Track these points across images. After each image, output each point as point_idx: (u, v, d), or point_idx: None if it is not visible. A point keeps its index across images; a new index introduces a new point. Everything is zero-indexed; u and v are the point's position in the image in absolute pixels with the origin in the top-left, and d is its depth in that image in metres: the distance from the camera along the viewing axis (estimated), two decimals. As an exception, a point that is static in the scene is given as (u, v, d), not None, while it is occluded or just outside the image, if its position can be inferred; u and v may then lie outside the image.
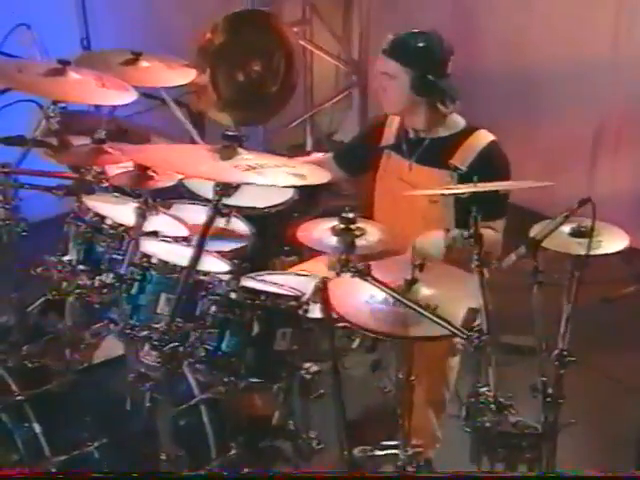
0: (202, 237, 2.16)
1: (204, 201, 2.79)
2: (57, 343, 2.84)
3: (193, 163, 2.18)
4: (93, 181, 2.64)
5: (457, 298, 2.28)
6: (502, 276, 2.31)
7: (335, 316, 2.31)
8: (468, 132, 2.93)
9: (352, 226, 2.35)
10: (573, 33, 4.55)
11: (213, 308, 2.41)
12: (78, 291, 2.52)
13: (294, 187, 3.00)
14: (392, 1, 5.23)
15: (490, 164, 2.85)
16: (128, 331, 2.42)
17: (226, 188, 2.13)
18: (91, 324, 2.76)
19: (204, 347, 2.39)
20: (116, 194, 2.70)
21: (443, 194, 2.77)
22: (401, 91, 2.87)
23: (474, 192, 2.30)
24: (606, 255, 2.30)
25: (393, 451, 2.59)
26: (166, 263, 2.46)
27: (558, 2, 4.66)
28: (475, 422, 2.16)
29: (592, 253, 2.25)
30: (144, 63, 3.06)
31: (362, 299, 2.31)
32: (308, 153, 4.13)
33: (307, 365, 2.46)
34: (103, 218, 2.58)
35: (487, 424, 2.15)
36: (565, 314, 2.26)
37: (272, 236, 3.06)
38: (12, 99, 2.65)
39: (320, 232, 2.41)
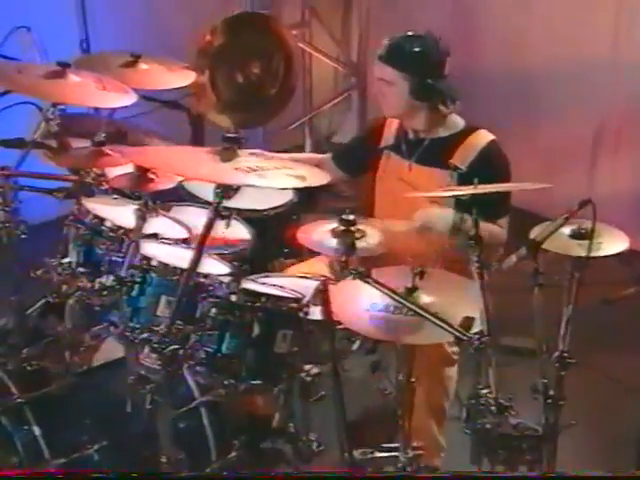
0: (202, 239, 2.16)
1: (204, 203, 2.79)
2: (57, 345, 2.84)
3: (193, 165, 2.18)
4: (93, 183, 2.65)
5: (457, 305, 2.28)
6: (503, 278, 2.30)
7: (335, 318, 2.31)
8: (468, 132, 2.92)
9: (352, 228, 2.35)
10: (573, 33, 4.54)
11: (213, 310, 2.40)
12: (78, 293, 2.53)
13: (294, 189, 3.01)
14: (392, 1, 5.23)
15: (490, 163, 2.84)
16: (128, 333, 2.42)
17: (226, 190, 2.13)
18: (91, 326, 2.74)
19: (204, 349, 2.39)
20: (116, 196, 2.70)
21: (444, 196, 2.77)
22: (400, 96, 2.87)
23: (474, 194, 2.30)
24: (606, 257, 2.30)
25: (393, 453, 2.58)
26: (166, 265, 2.45)
27: (558, 2, 4.65)
28: (476, 424, 2.16)
29: (592, 255, 2.25)
30: (143, 65, 3.06)
31: (362, 306, 2.31)
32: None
33: (307, 367, 2.46)
34: (103, 220, 2.58)
35: (488, 426, 2.14)
36: (565, 316, 2.26)
37: (272, 238, 3.05)
38: (12, 101, 2.66)
39: (320, 234, 2.40)
